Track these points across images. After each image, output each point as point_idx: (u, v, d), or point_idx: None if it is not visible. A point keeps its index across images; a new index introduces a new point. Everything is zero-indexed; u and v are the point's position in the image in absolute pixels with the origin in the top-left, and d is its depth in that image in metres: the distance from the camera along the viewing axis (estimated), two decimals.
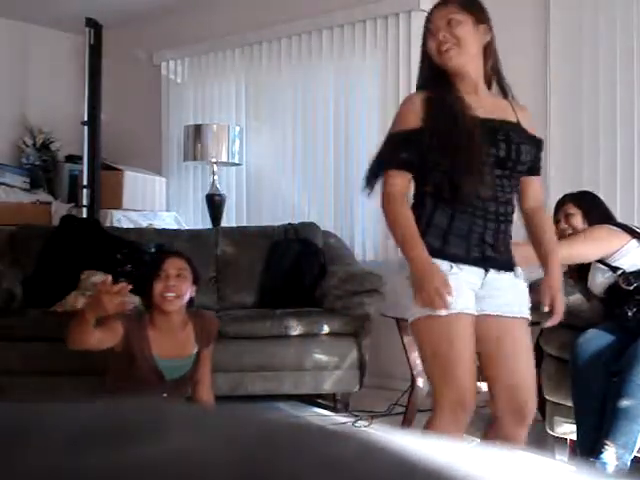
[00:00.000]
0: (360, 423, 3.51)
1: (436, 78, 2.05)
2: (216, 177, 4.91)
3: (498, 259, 2.03)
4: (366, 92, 4.53)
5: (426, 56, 2.07)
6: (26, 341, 3.46)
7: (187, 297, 2.66)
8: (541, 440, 3.07)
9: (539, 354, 3.09)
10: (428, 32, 2.04)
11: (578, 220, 2.96)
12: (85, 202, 4.76)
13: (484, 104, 2.03)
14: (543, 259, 2.11)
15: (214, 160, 4.84)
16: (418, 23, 4.25)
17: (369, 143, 4.50)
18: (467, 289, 1.97)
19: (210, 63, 5.25)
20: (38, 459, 0.26)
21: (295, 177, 4.82)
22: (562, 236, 3.03)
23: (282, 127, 4.88)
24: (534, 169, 2.16)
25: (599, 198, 3.09)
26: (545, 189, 3.83)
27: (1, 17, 5.35)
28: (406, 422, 3.37)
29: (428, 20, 2.06)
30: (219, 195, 4.89)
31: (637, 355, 2.46)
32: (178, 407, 0.32)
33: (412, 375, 3.42)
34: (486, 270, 2.01)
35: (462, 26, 1.98)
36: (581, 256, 2.75)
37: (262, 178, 4.98)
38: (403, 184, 2.00)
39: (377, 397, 3.87)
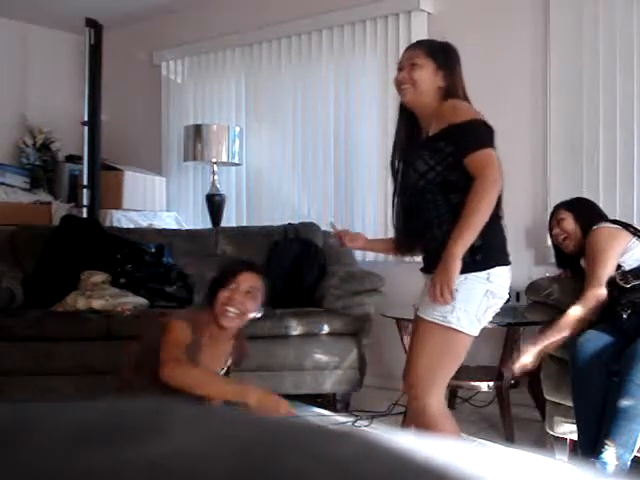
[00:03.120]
0: (360, 423, 3.51)
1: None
2: (216, 177, 4.90)
3: None
4: (366, 92, 4.53)
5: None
6: (26, 341, 3.46)
7: (250, 317, 2.45)
8: (541, 440, 3.07)
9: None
10: (397, 67, 2.35)
11: (569, 223, 3.01)
12: (85, 202, 4.76)
13: None
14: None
15: (214, 160, 4.84)
16: (418, 23, 4.26)
17: (369, 143, 4.50)
18: None
19: (210, 63, 5.25)
20: (38, 459, 0.26)
21: (295, 177, 4.81)
22: (557, 242, 3.07)
23: (282, 127, 4.88)
24: None
25: (592, 202, 3.15)
26: (545, 189, 3.84)
27: (1, 17, 5.35)
28: (406, 422, 3.36)
29: (402, 56, 2.37)
30: (219, 195, 4.89)
31: (636, 355, 2.46)
32: (178, 407, 0.32)
33: None
34: None
35: (421, 70, 2.24)
36: (608, 274, 2.75)
37: (262, 178, 4.98)
38: None
39: (377, 397, 3.87)
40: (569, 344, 2.71)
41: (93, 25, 4.87)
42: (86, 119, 4.84)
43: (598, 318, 2.76)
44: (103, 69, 4.92)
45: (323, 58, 4.67)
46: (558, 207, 3.12)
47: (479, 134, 2.11)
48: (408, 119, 2.36)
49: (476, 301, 2.08)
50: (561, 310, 2.87)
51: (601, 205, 3.63)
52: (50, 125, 5.44)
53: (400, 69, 2.32)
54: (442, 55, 2.29)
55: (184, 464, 0.26)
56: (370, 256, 4.43)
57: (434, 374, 2.14)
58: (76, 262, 3.92)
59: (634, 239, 2.80)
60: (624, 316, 2.64)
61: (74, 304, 3.62)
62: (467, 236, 2.01)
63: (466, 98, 2.27)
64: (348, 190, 4.57)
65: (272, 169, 4.93)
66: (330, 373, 3.63)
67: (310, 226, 4.34)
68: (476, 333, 2.14)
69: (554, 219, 3.10)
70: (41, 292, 3.84)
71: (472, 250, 2.06)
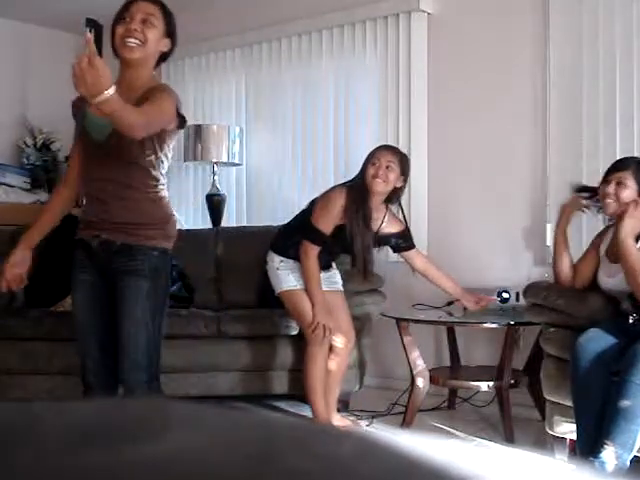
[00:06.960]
0: (360, 423, 3.51)
1: None
2: (216, 177, 4.90)
3: None
4: (366, 92, 4.53)
5: None
6: (26, 341, 3.46)
7: (154, 47, 2.35)
8: (541, 440, 3.07)
9: (539, 354, 3.09)
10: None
11: (629, 195, 2.71)
12: None
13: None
14: None
15: (214, 160, 4.84)
16: (418, 23, 4.26)
17: (369, 143, 4.50)
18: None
19: (210, 63, 5.25)
20: (38, 459, 0.26)
21: (295, 177, 4.81)
22: (601, 194, 2.80)
23: (282, 127, 4.88)
24: None
25: None
26: (545, 189, 3.84)
27: (1, 17, 5.35)
28: (406, 422, 3.37)
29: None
30: (219, 195, 4.89)
31: (637, 355, 2.46)
32: (177, 407, 0.32)
33: (412, 375, 3.42)
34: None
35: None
36: None
37: (262, 178, 4.98)
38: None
39: (377, 397, 3.87)
40: (569, 344, 2.71)
41: (93, 25, 4.86)
42: None
43: (601, 316, 2.75)
44: None
45: (323, 58, 4.67)
46: (627, 167, 2.76)
47: None
48: None
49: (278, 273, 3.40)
50: (560, 312, 2.87)
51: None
52: (50, 125, 5.44)
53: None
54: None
55: (183, 464, 0.26)
56: None
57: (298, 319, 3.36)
58: None
59: None
60: (630, 320, 2.64)
61: None
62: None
63: None
64: None
65: (272, 169, 4.93)
66: None
67: None
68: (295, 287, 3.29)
69: (614, 176, 2.75)
70: (41, 292, 3.84)
71: None
